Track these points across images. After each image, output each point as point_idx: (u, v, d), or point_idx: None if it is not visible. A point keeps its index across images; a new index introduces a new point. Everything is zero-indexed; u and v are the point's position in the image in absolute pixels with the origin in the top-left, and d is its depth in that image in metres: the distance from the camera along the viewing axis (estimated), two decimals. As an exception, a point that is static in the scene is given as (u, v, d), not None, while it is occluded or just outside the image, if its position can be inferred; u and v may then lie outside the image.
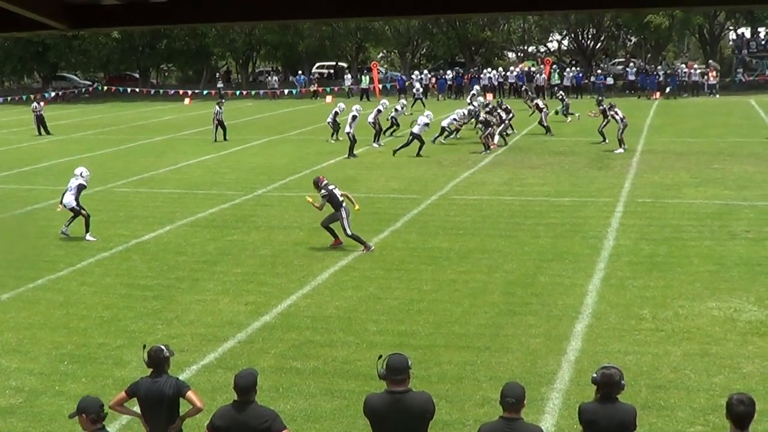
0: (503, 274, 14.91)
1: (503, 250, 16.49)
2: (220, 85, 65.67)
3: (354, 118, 29.90)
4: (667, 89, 52.23)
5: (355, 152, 29.55)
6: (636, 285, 14.03)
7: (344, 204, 16.68)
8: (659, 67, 56.95)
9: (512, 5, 5.27)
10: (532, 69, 60.00)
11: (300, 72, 68.28)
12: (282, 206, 21.37)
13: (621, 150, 28.69)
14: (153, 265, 16.16)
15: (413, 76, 59.33)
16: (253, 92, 63.78)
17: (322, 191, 16.55)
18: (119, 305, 13.77)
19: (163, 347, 7.39)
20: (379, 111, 33.04)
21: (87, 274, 15.71)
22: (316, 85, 64.16)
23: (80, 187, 18.22)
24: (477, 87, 47.20)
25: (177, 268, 15.91)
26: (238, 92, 64.27)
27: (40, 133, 39.98)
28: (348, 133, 29.66)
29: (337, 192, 16.66)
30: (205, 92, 63.80)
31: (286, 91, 62.75)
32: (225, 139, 35.07)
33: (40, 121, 40.38)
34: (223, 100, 37.35)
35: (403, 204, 21.17)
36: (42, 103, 42.47)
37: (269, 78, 67.18)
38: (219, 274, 15.39)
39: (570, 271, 14.91)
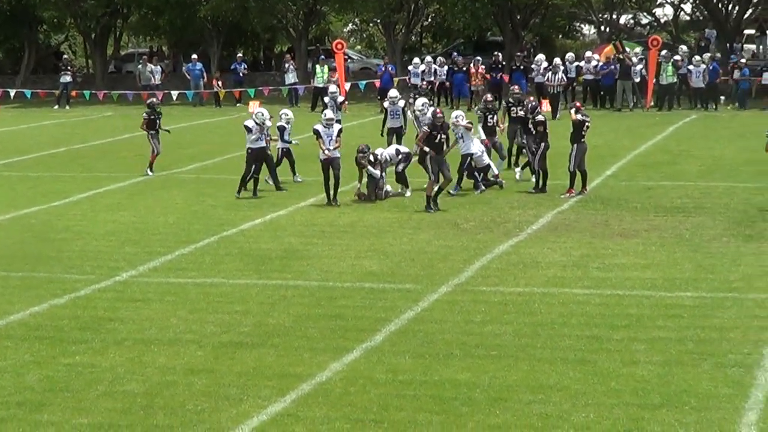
0: (571, 431, 14.91)
1: (571, 386, 16.49)
2: (67, 79, 64.42)
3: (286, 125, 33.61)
4: None
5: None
6: (815, 453, 14.08)
7: None
8: None
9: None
10: (632, 55, 58.74)
11: (195, 57, 67.91)
12: (166, 302, 21.38)
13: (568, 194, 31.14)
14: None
15: (410, 67, 59.73)
16: (115, 94, 63.68)
17: None
18: None
19: None
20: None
21: None
22: (219, 83, 63.84)
23: None
24: None
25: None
26: (88, 93, 64.02)
27: None
28: (280, 149, 33.60)
29: None
30: (29, 93, 63.53)
31: (174, 93, 62.65)
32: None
33: None
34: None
35: (389, 300, 21.23)
36: None
37: (141, 67, 67.49)
38: (48, 427, 15.30)
39: (694, 427, 14.90)
